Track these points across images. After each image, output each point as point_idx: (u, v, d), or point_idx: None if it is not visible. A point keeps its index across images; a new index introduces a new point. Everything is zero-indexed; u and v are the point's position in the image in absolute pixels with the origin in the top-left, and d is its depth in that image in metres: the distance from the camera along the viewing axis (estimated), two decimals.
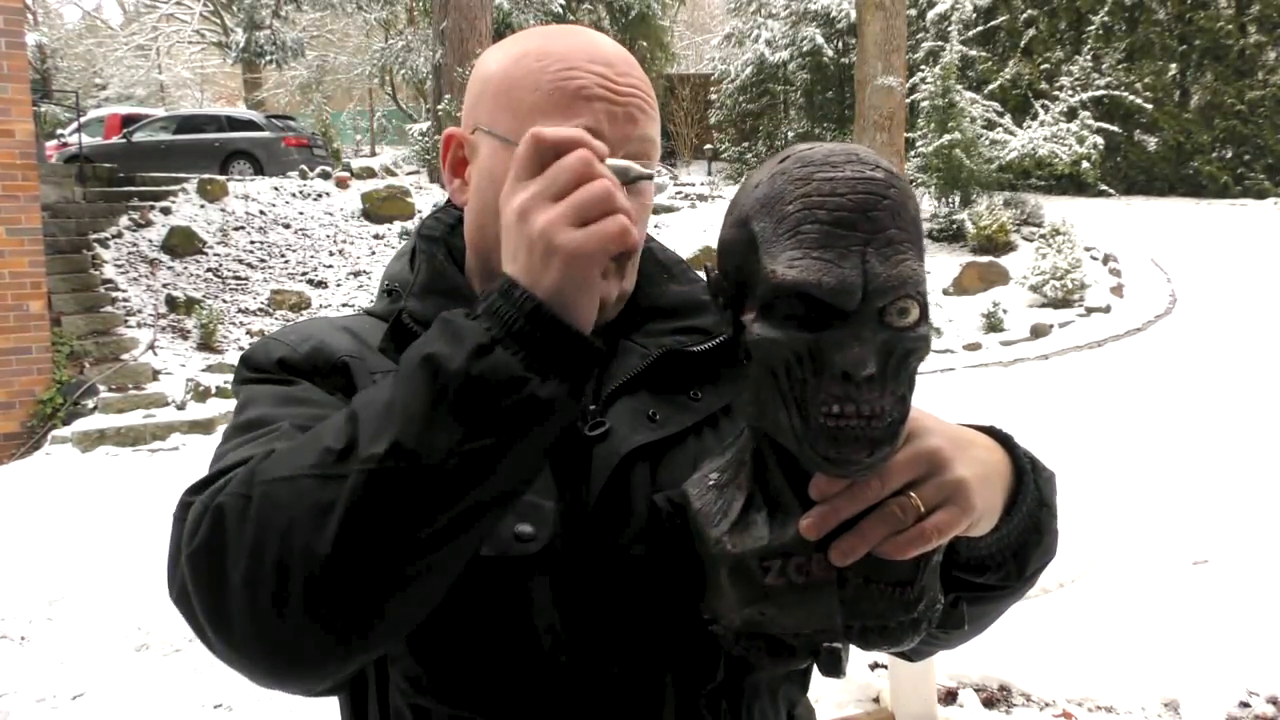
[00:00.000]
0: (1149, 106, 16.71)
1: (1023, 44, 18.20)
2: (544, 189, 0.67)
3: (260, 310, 11.26)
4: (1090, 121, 14.33)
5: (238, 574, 0.65)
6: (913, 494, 0.68)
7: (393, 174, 16.59)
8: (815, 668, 0.77)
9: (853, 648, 0.74)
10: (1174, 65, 19.39)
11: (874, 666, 3.51)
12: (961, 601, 0.80)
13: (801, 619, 0.70)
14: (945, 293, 12.08)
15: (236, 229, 12.63)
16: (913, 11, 17.62)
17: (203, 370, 9.50)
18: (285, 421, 0.79)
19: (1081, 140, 14.06)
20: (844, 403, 0.63)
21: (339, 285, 12.10)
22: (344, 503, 0.63)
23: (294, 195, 13.92)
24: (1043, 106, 14.84)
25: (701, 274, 0.83)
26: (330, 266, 12.46)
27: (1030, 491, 0.78)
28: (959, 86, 14.10)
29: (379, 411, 0.66)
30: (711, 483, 0.76)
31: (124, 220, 11.89)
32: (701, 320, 0.93)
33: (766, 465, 0.73)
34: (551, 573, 0.80)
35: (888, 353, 0.64)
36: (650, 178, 0.80)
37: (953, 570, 0.78)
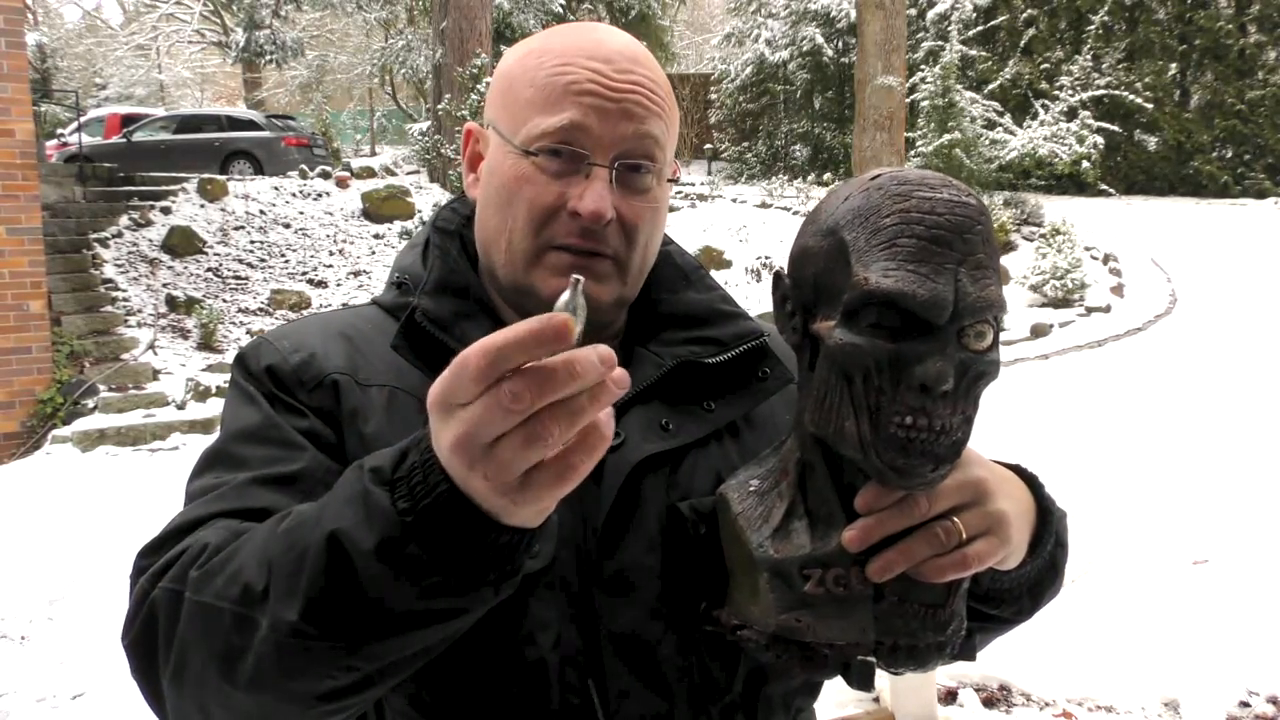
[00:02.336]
0: (1149, 106, 16.72)
1: (1023, 44, 18.20)
2: (474, 432, 0.53)
3: (260, 310, 11.25)
4: (1090, 121, 14.33)
5: (167, 672, 0.70)
6: (956, 519, 0.68)
7: (393, 174, 16.58)
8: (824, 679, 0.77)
9: None
10: (1174, 65, 19.40)
11: None
12: (975, 635, 0.81)
13: (836, 630, 0.71)
14: None
15: (236, 229, 12.61)
16: (913, 11, 17.61)
17: (203, 370, 9.48)
18: (243, 476, 0.79)
19: (1081, 140, 14.06)
20: (918, 415, 0.64)
21: (339, 285, 12.10)
22: (254, 656, 0.64)
23: (294, 195, 13.91)
24: (1043, 106, 14.83)
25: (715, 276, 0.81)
26: (330, 266, 12.45)
27: (1052, 532, 0.79)
28: (959, 86, 14.10)
29: (292, 567, 0.63)
30: (753, 489, 0.77)
31: (124, 220, 11.88)
32: (718, 330, 0.92)
33: (811, 475, 0.73)
34: (556, 587, 0.79)
35: (963, 372, 0.65)
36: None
37: (970, 601, 0.79)
